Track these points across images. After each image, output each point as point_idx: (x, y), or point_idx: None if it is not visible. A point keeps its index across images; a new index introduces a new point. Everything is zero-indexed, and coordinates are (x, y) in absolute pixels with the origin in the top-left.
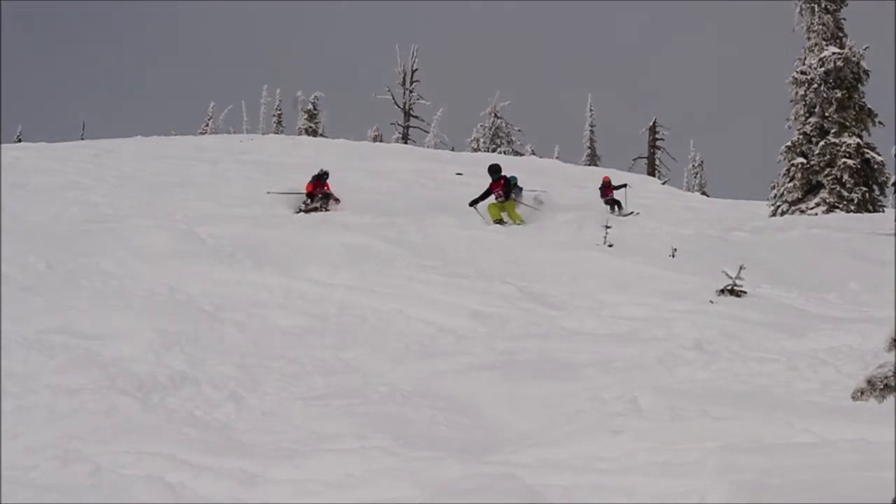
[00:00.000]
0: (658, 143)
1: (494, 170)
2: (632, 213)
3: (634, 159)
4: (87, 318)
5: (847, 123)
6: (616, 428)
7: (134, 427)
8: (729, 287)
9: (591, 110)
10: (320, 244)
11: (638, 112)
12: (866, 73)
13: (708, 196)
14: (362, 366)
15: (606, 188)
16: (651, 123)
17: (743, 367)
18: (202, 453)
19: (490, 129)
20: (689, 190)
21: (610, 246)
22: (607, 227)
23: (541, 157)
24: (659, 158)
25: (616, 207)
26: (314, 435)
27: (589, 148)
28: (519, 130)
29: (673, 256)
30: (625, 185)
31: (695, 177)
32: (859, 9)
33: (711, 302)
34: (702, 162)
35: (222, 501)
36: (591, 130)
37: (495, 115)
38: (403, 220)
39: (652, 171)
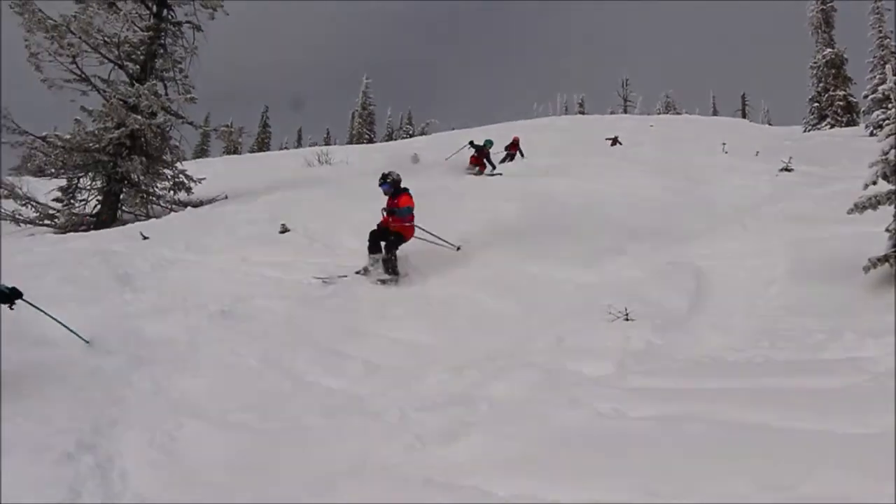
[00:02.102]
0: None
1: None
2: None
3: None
4: None
5: (837, 84)
6: (732, 236)
7: None
8: (784, 167)
9: None
10: None
11: None
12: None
13: (771, 125)
14: None
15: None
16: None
17: (793, 203)
18: None
19: None
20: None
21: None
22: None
23: None
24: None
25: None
26: None
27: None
28: None
29: (756, 155)
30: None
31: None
32: None
33: (776, 175)
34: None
35: None
36: None
37: None
38: None
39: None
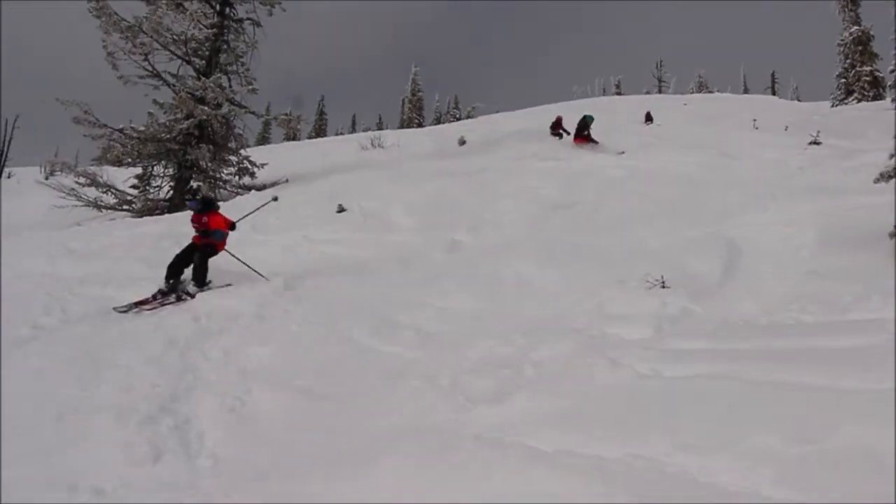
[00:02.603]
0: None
1: None
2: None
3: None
4: None
5: (864, 61)
6: (763, 208)
7: None
8: (812, 141)
9: None
10: None
11: None
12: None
13: (800, 101)
14: None
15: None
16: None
17: (821, 175)
18: None
19: None
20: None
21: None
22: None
23: None
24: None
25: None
26: None
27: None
28: None
29: (786, 129)
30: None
31: (795, 90)
32: None
33: (805, 148)
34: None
35: None
36: None
37: None
38: None
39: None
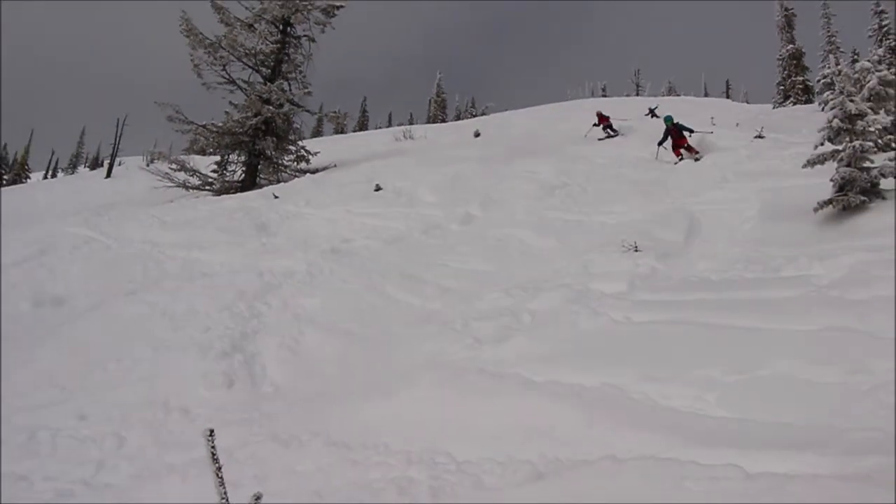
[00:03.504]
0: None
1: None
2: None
3: None
4: None
5: (797, 72)
6: (717, 187)
7: None
8: (757, 135)
9: None
10: None
11: None
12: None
13: (749, 103)
14: None
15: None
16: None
17: (764, 162)
18: None
19: None
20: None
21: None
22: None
23: None
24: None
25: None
26: None
27: None
28: None
29: (737, 126)
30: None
31: (745, 95)
32: None
33: (752, 140)
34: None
35: None
36: None
37: None
38: None
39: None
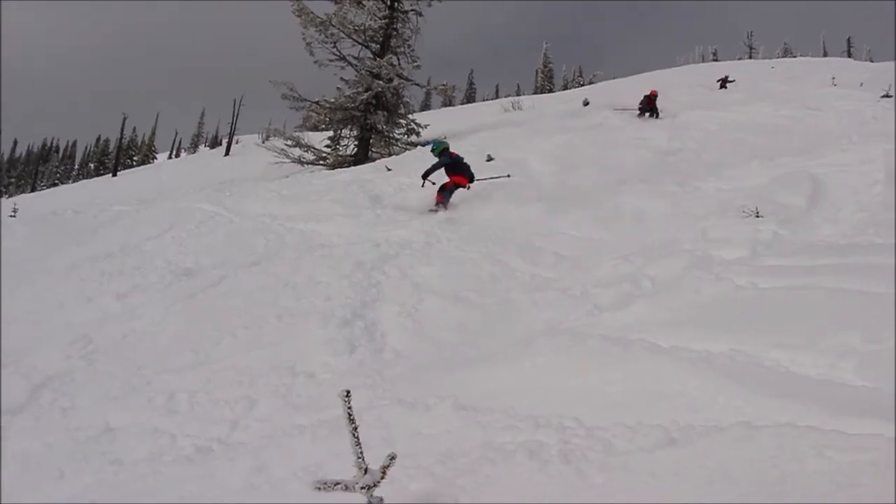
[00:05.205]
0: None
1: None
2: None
3: None
4: None
5: None
6: (842, 150)
7: None
8: (884, 94)
9: None
10: None
11: None
12: None
13: (873, 62)
14: None
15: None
16: None
17: (890, 123)
18: None
19: None
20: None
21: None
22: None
23: None
24: None
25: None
26: None
27: None
28: None
29: (861, 86)
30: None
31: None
32: None
33: (878, 101)
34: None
35: None
36: None
37: None
38: None
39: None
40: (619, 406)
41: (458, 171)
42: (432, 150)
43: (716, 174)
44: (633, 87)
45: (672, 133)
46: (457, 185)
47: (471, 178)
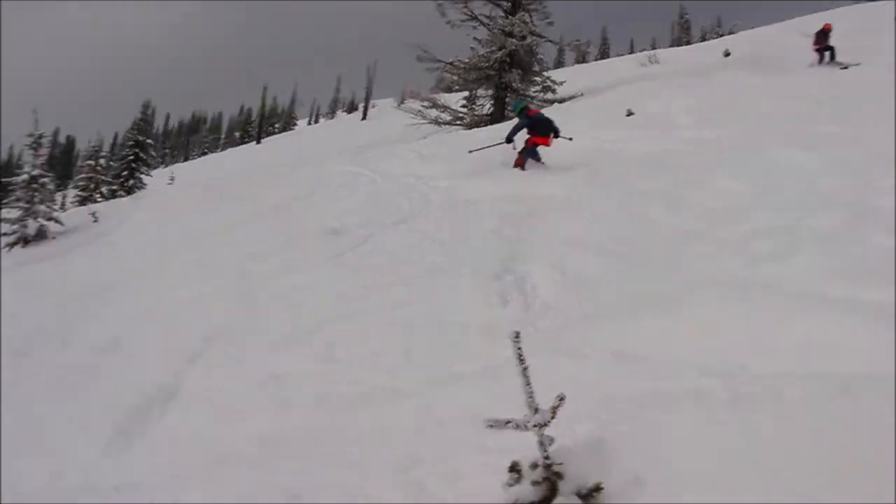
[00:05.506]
0: None
1: None
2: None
3: None
4: None
5: None
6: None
7: None
8: None
9: None
10: None
11: None
12: None
13: None
14: None
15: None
16: None
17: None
18: None
19: None
20: None
21: None
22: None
23: None
24: None
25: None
26: None
27: None
28: None
29: None
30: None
31: None
32: None
33: None
34: None
35: None
36: None
37: None
38: None
39: None
40: (788, 355)
41: (538, 131)
42: (513, 111)
43: (881, 123)
44: (779, 34)
45: (823, 80)
46: (536, 145)
47: (555, 134)
